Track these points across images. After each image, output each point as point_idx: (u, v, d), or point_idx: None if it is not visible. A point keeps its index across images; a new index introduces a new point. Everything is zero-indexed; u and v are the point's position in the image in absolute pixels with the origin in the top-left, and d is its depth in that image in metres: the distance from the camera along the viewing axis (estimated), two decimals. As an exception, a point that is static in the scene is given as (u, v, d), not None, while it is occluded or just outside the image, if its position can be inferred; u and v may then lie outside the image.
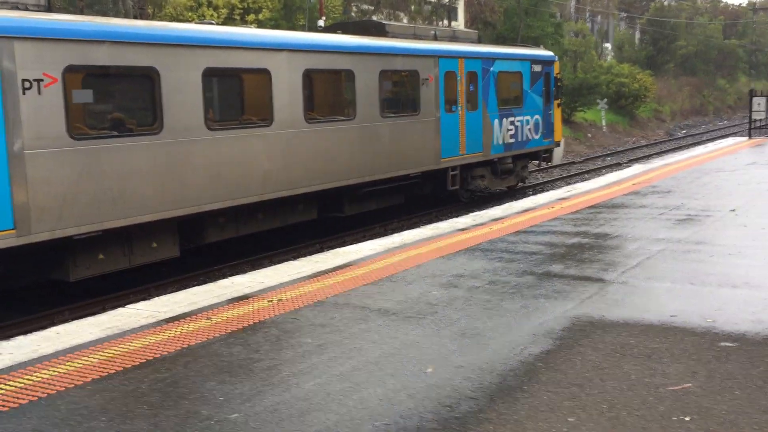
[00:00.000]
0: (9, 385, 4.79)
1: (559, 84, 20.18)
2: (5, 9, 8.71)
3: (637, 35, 64.10)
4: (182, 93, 10.21)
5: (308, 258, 8.72)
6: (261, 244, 12.82)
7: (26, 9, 9.01)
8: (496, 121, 17.21)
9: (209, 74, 10.62)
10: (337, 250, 9.16)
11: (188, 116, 10.31)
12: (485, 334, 5.62)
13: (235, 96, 12.01)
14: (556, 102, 20.07)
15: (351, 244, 10.31)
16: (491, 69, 16.97)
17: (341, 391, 4.61)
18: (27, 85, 8.47)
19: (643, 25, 62.55)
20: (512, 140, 17.91)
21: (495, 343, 5.40)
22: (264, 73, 11.52)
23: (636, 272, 7.41)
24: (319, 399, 4.50)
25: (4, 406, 4.45)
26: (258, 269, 8.45)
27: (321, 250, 12.62)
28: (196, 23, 13.54)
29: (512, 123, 17.83)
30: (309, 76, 12.29)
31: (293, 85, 11.94)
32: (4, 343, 5.68)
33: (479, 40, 18.72)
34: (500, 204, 13.56)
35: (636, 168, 18.13)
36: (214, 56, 10.68)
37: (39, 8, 9.26)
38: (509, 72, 17.79)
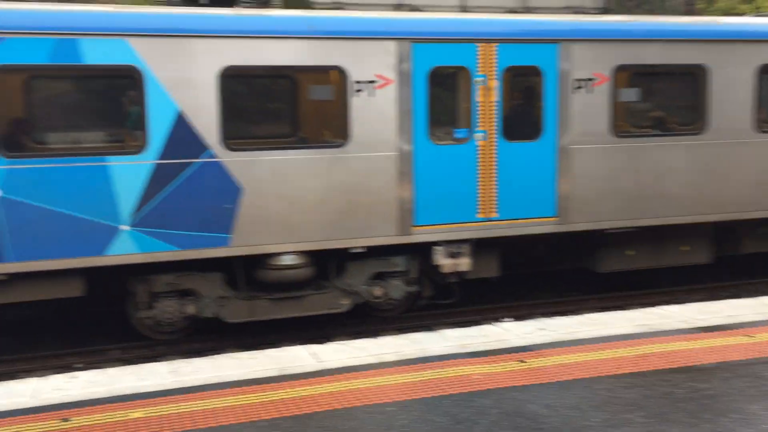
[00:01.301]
0: (552, 360, 5.15)
1: None
2: (567, 13, 9.40)
3: None
4: (731, 92, 9.58)
5: None
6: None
7: (584, 12, 9.55)
8: None
9: (763, 71, 9.71)
10: None
11: (736, 117, 9.64)
12: None
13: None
14: None
15: None
16: None
17: None
18: (578, 84, 9.01)
19: None
20: None
21: None
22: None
23: None
24: None
25: (550, 378, 4.81)
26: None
27: None
28: (749, 16, 12.50)
29: None
30: None
31: None
32: (548, 321, 6.17)
33: None
34: None
35: None
36: (771, 51, 9.72)
37: (596, 11, 9.73)
38: None
